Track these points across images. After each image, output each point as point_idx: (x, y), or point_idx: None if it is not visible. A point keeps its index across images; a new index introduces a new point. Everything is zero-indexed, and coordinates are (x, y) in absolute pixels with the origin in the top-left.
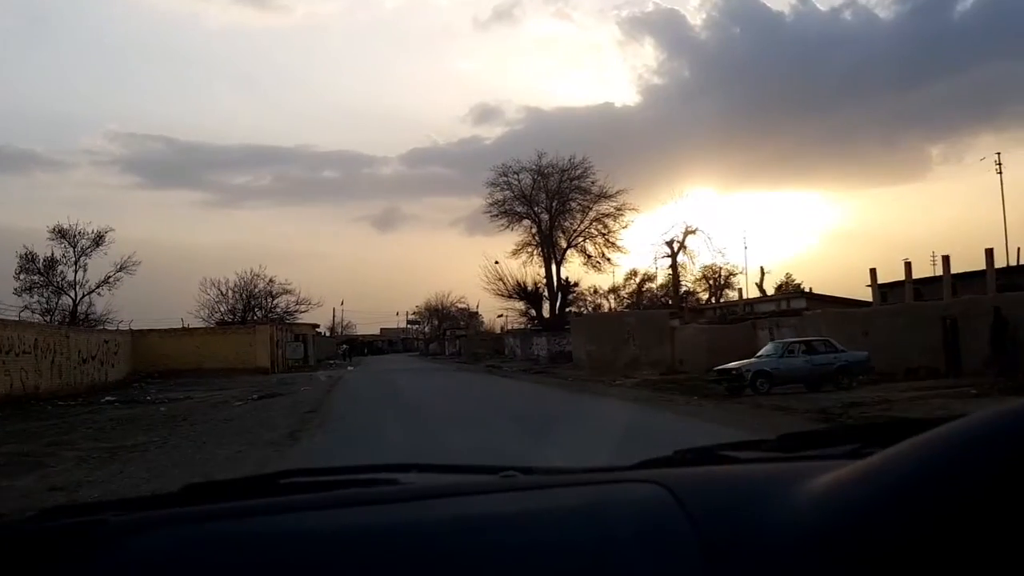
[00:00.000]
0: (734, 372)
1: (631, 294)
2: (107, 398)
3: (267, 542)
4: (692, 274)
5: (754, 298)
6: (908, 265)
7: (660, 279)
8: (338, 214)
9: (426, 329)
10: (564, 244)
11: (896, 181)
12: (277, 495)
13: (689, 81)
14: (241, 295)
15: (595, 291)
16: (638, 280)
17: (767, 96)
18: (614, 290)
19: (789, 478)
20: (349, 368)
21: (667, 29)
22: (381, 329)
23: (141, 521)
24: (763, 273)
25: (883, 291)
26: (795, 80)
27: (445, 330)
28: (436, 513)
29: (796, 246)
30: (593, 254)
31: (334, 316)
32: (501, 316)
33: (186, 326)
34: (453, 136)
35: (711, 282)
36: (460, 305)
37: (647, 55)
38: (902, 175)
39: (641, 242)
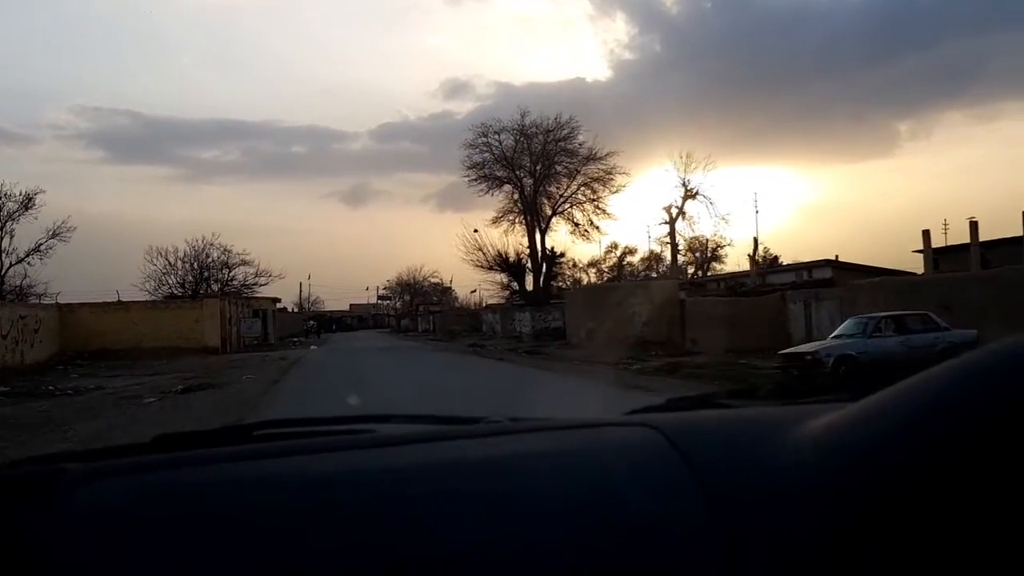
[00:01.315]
0: (808, 357)
1: (611, 268)
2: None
3: (239, 488)
4: (687, 244)
5: (767, 268)
6: (974, 225)
7: (641, 253)
8: (307, 190)
9: (397, 305)
10: (549, 211)
11: (865, 157)
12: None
13: (660, 56)
14: (192, 266)
15: (574, 264)
16: (619, 254)
17: (739, 72)
18: (594, 264)
19: (788, 420)
20: (312, 348)
21: (639, 3)
22: (350, 305)
23: (103, 469)
24: (756, 245)
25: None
26: (767, 56)
27: (417, 306)
28: (418, 458)
29: (767, 221)
30: (581, 222)
31: (300, 291)
32: (474, 291)
33: (120, 299)
34: (424, 111)
35: (697, 255)
36: (433, 280)
37: (619, 30)
38: (871, 151)
39: (625, 215)
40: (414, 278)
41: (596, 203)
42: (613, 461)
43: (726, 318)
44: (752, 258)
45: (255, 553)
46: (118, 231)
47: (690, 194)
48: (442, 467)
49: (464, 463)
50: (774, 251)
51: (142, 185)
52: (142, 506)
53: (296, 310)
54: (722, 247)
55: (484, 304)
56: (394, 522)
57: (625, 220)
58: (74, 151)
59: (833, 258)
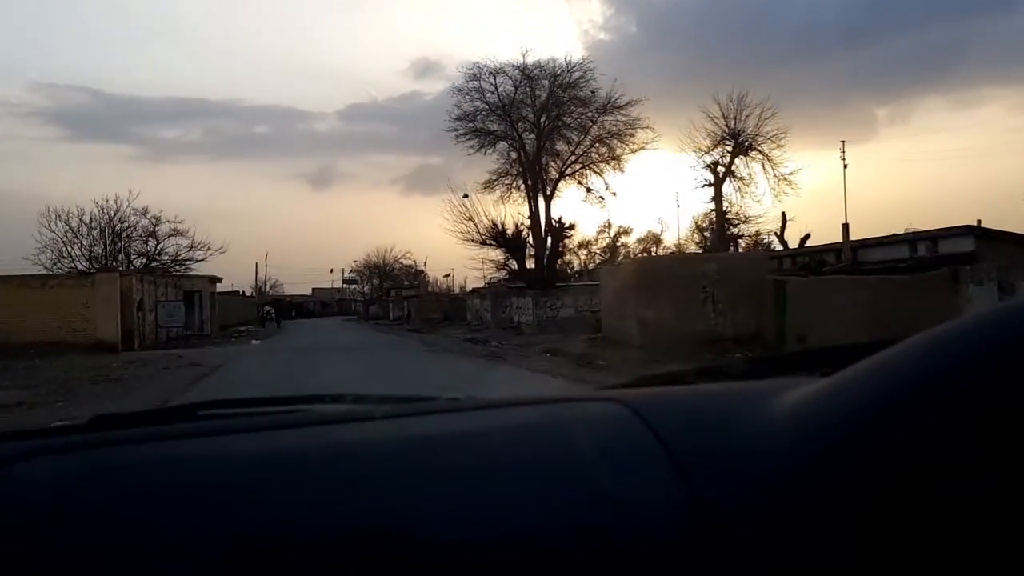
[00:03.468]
0: None
1: (604, 250)
2: None
3: (183, 467)
4: (738, 208)
5: (864, 239)
6: None
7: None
8: (271, 171)
9: (365, 289)
10: (556, 174)
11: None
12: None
13: (636, 37)
14: (103, 233)
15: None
16: (612, 233)
17: (716, 54)
18: (584, 245)
19: (760, 395)
20: (255, 343)
21: None
22: (313, 289)
23: (38, 447)
24: (784, 220)
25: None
26: (745, 38)
27: (388, 290)
28: (376, 435)
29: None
30: (594, 187)
31: (257, 273)
32: (448, 275)
33: None
34: (393, 91)
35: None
36: (405, 261)
37: (593, 10)
38: (849, 136)
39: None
40: (384, 259)
41: (613, 163)
42: (580, 434)
43: (863, 306)
44: (779, 236)
45: (200, 532)
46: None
47: (740, 148)
48: (397, 443)
49: (421, 439)
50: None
51: (102, 165)
52: (81, 485)
53: (255, 294)
54: (746, 221)
55: (468, 288)
56: (345, 499)
57: (618, 198)
58: (30, 128)
59: (976, 223)
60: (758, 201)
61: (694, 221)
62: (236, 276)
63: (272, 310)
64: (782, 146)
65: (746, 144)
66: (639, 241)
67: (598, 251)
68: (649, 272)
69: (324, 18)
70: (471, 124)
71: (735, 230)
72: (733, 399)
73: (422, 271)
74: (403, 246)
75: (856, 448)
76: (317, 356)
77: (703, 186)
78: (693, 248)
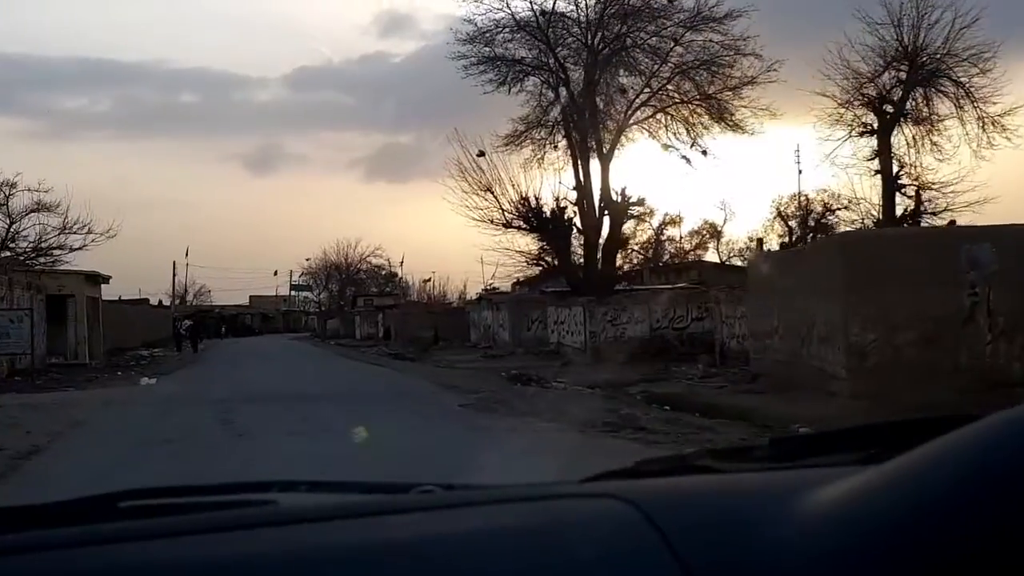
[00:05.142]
0: None
1: (644, 245)
2: None
3: None
4: (916, 169)
5: None
6: None
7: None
8: (199, 151)
9: (321, 296)
10: (615, 124)
11: None
12: (117, 521)
13: None
14: None
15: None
16: (656, 225)
17: None
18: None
19: (789, 487)
20: (146, 381)
21: None
22: (251, 298)
23: None
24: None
25: None
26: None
27: (355, 298)
28: (331, 538)
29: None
30: (675, 144)
31: (175, 275)
32: (428, 280)
33: None
34: (352, 52)
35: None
36: (375, 260)
37: None
38: None
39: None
40: (346, 258)
41: (711, 103)
42: (577, 543)
43: None
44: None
45: None
46: None
47: (920, 74)
48: (363, 551)
49: (391, 546)
50: None
51: None
52: None
53: (176, 302)
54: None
55: (463, 296)
56: None
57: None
58: None
59: None
60: (947, 159)
61: (775, 207)
62: (151, 282)
63: (191, 324)
64: (988, 71)
65: (930, 68)
66: (690, 234)
67: (636, 247)
68: (867, 259)
69: None
70: (487, 50)
71: (907, 203)
72: (759, 493)
73: (395, 274)
74: (370, 241)
75: (918, 554)
76: (251, 422)
77: (859, 134)
78: (774, 242)
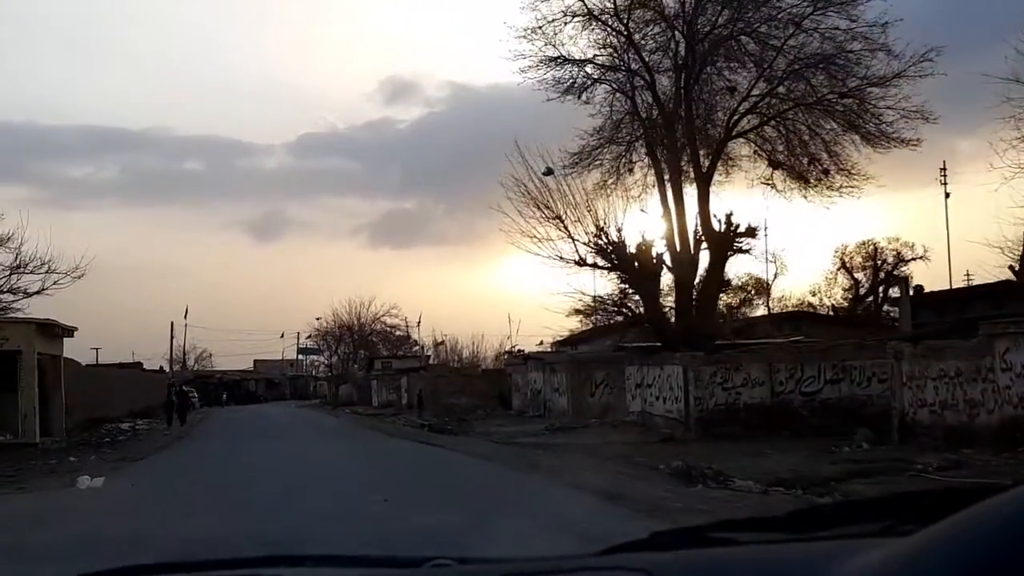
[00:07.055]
0: None
1: (846, 308)
2: None
3: None
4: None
5: None
6: None
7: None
8: (203, 218)
9: (332, 360)
10: (718, 132)
11: None
12: None
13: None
14: None
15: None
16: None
17: None
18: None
19: (808, 561)
20: (83, 483)
21: None
22: (255, 362)
23: None
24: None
25: None
26: None
27: (371, 360)
28: None
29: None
30: (786, 160)
31: (172, 337)
32: (441, 343)
33: None
34: (357, 118)
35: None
36: (390, 319)
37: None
38: None
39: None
40: (359, 317)
41: (853, 117)
42: None
43: None
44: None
45: None
46: None
47: None
48: None
49: None
50: None
51: None
52: None
53: (176, 367)
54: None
55: (502, 357)
56: None
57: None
58: None
59: None
60: None
61: (838, 256)
62: (152, 348)
63: (188, 391)
64: None
65: None
66: (733, 290)
67: (732, 300)
68: None
69: (272, 29)
70: (549, 53)
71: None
72: (776, 566)
73: (409, 336)
74: (383, 300)
75: None
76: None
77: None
78: (837, 297)
